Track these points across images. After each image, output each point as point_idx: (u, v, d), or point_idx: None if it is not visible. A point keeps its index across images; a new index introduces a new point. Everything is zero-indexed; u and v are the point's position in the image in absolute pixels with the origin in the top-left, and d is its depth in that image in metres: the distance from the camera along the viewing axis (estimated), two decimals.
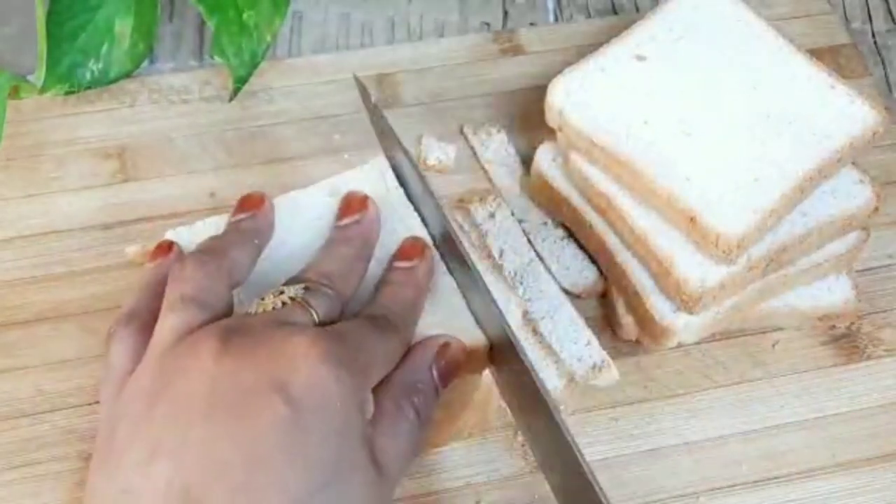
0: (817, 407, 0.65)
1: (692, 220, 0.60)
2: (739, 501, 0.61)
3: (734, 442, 0.63)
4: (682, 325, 0.62)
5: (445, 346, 0.51)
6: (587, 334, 0.63)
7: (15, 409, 0.63)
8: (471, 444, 0.63)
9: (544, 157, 0.68)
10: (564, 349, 0.62)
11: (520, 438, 0.63)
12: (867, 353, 0.67)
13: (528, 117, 0.75)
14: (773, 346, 0.67)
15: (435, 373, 0.50)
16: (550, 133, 0.68)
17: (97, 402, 0.63)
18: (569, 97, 0.65)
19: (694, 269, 0.61)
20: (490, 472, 0.62)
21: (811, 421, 0.64)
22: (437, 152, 0.73)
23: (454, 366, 0.51)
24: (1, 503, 0.60)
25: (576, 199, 0.67)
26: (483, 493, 0.61)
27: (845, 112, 0.63)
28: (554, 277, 0.66)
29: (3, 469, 0.61)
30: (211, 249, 0.52)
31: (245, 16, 0.75)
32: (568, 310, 0.64)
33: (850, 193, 0.64)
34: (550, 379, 0.62)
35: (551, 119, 0.66)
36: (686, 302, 0.61)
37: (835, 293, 0.67)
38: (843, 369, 0.66)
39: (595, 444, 0.63)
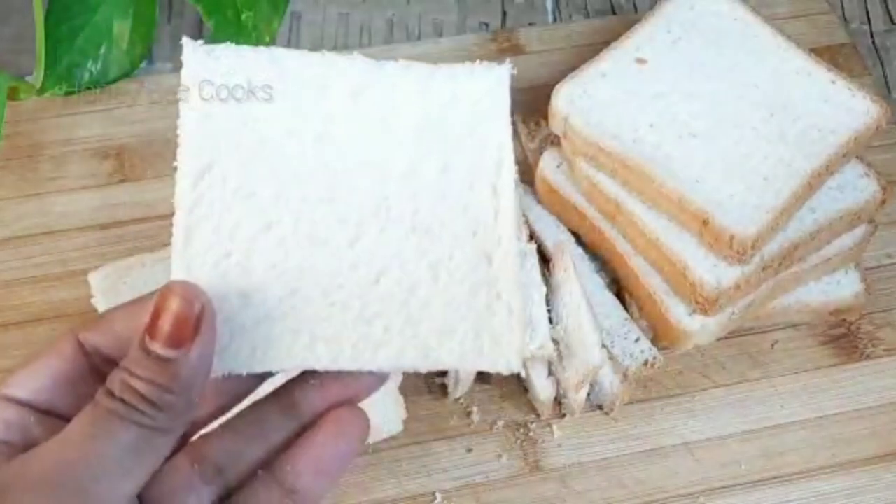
0: (817, 407, 0.65)
1: (705, 222, 0.60)
2: (739, 501, 0.61)
3: (734, 442, 0.63)
4: (699, 328, 0.62)
5: (162, 300, 0.37)
6: (636, 330, 0.63)
7: None
8: (471, 444, 0.63)
9: (549, 164, 0.68)
10: (616, 345, 0.62)
11: (519, 438, 0.63)
12: (867, 353, 0.67)
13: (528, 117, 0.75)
14: (773, 346, 0.67)
15: (154, 346, 0.36)
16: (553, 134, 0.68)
17: None
18: (573, 104, 0.64)
19: (709, 271, 0.61)
20: (490, 472, 0.62)
21: (811, 421, 0.64)
22: None
23: (171, 320, 0.37)
24: None
25: (583, 205, 0.67)
26: (483, 493, 0.61)
27: (848, 106, 0.64)
28: (597, 272, 0.67)
29: None
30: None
31: (243, 16, 0.75)
32: (615, 305, 0.65)
33: (857, 187, 0.64)
34: (606, 375, 0.62)
35: (556, 126, 0.66)
36: (702, 304, 0.61)
37: (844, 287, 0.67)
38: (842, 369, 0.66)
39: (595, 444, 0.63)
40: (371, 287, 0.39)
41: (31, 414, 0.39)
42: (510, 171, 0.42)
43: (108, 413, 0.36)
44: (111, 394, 0.37)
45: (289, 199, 0.40)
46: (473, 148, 0.42)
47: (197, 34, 0.82)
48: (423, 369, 0.40)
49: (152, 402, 0.36)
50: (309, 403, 0.40)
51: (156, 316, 0.37)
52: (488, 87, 0.43)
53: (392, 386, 0.59)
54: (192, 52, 0.41)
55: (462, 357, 0.39)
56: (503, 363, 0.39)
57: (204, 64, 0.41)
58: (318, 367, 0.39)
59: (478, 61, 0.43)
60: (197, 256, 0.39)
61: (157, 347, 0.36)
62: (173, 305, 0.37)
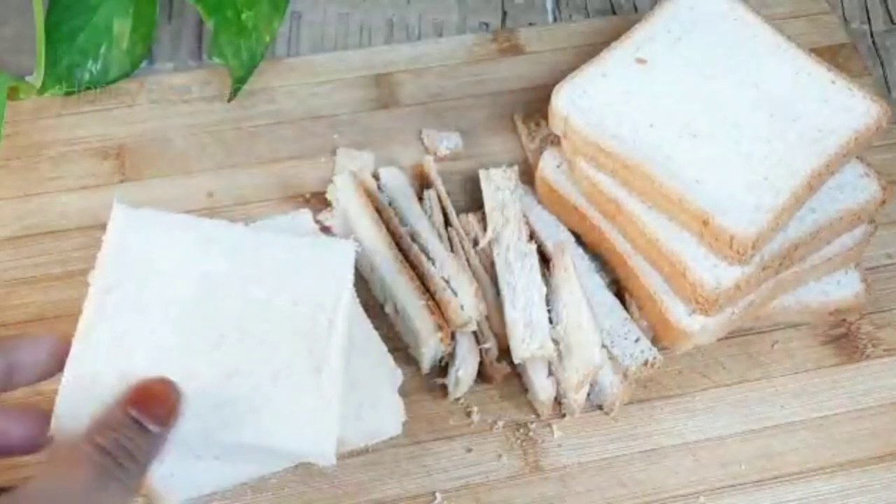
0: (817, 407, 0.65)
1: (705, 222, 0.60)
2: (739, 501, 0.61)
3: (734, 442, 0.63)
4: (699, 328, 0.62)
5: (159, 387, 0.48)
6: (636, 330, 0.63)
7: None
8: (471, 444, 0.63)
9: (549, 164, 0.68)
10: (616, 345, 0.62)
11: (519, 438, 0.63)
12: (867, 353, 0.67)
13: (528, 117, 0.75)
14: (773, 346, 0.67)
15: (133, 411, 0.47)
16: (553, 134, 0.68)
17: None
18: (573, 104, 0.64)
19: (708, 271, 0.61)
20: (490, 472, 0.62)
21: (811, 421, 0.64)
22: (445, 141, 0.73)
23: (159, 401, 0.48)
24: None
25: (583, 205, 0.67)
26: (483, 493, 0.61)
27: (848, 106, 0.64)
28: (597, 272, 0.67)
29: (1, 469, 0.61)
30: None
31: (244, 16, 0.75)
32: (615, 305, 0.65)
33: (857, 187, 0.64)
34: (606, 375, 0.62)
35: (556, 126, 0.66)
36: (702, 304, 0.61)
37: (844, 287, 0.67)
38: (842, 369, 0.66)
39: (595, 444, 0.63)
40: (224, 381, 0.51)
41: None
42: (345, 314, 0.54)
43: (104, 468, 0.44)
44: (103, 448, 0.45)
45: (170, 315, 0.52)
46: (319, 293, 0.54)
47: (197, 34, 0.82)
48: (258, 453, 0.51)
49: (138, 462, 0.46)
50: None
51: (151, 398, 0.48)
52: (339, 252, 0.56)
53: (391, 389, 0.59)
54: (121, 208, 0.55)
55: (290, 445, 0.51)
56: (320, 454, 0.51)
57: (129, 216, 0.55)
58: (174, 439, 0.48)
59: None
60: (95, 345, 0.51)
61: (147, 421, 0.46)
62: (167, 394, 0.48)
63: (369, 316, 0.62)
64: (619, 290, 0.67)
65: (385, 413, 0.58)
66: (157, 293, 0.53)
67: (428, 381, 0.64)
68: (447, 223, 0.68)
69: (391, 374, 0.59)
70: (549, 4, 0.85)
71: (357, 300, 0.60)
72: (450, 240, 0.67)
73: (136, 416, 0.46)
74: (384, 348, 0.60)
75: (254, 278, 0.54)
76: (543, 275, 0.65)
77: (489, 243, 0.66)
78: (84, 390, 0.49)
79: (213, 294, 0.53)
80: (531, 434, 0.63)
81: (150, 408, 0.47)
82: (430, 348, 0.62)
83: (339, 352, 0.53)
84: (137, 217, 0.55)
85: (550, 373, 0.63)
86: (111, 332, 0.51)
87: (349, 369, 0.54)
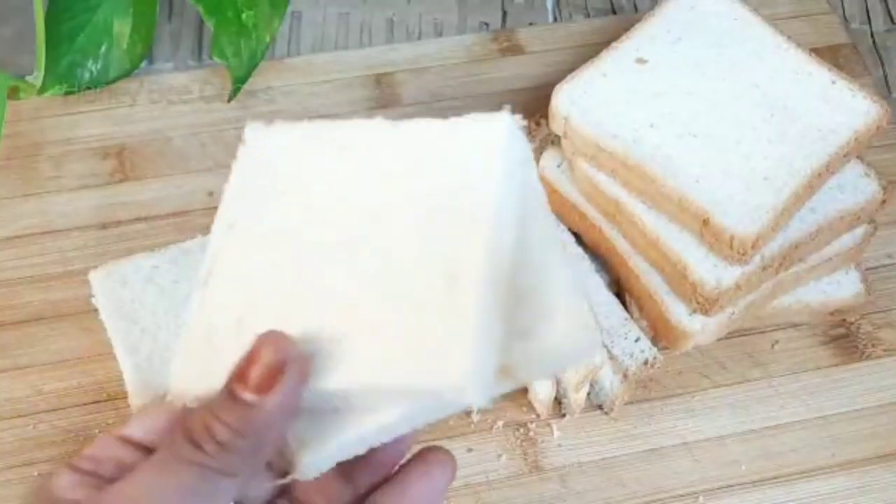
0: (817, 407, 0.65)
1: (705, 222, 0.60)
2: (739, 501, 0.61)
3: (734, 442, 0.63)
4: (699, 328, 0.62)
5: (255, 349, 0.38)
6: (636, 330, 0.63)
7: (13, 409, 0.63)
8: (471, 444, 0.63)
9: (549, 164, 0.68)
10: (616, 345, 0.62)
11: (519, 438, 0.63)
12: (866, 354, 0.67)
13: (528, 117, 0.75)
14: (773, 346, 0.67)
15: (240, 391, 0.37)
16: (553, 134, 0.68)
17: (95, 402, 0.63)
18: (573, 104, 0.64)
19: (709, 271, 0.61)
20: (490, 472, 0.62)
21: (811, 421, 0.64)
22: None
23: (268, 369, 0.37)
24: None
25: (583, 205, 0.66)
26: (482, 493, 0.61)
27: (848, 106, 0.64)
28: (597, 272, 0.67)
29: (1, 469, 0.61)
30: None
31: (244, 16, 0.75)
32: (615, 305, 0.65)
33: (857, 188, 0.64)
34: (606, 375, 0.62)
35: (556, 126, 0.66)
36: (702, 304, 0.61)
37: (845, 287, 0.67)
38: (842, 369, 0.66)
39: (595, 444, 0.63)
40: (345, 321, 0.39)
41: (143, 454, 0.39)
42: (498, 196, 0.41)
43: (173, 453, 0.37)
44: (192, 438, 0.37)
45: (299, 250, 0.41)
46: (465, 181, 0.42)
47: (197, 34, 0.82)
48: (389, 398, 0.38)
49: (220, 444, 0.37)
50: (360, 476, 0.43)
51: (248, 363, 0.37)
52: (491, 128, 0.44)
53: (574, 293, 0.41)
54: (254, 130, 0.44)
55: (414, 381, 0.37)
56: (455, 387, 0.36)
57: (261, 141, 0.44)
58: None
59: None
60: (214, 292, 0.41)
61: (242, 391, 0.37)
62: (264, 354, 0.37)
63: None
64: (619, 290, 0.67)
65: (569, 326, 0.40)
66: (288, 224, 0.41)
67: None
68: None
69: (570, 273, 0.41)
70: (549, 4, 0.85)
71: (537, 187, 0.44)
72: None
73: (233, 391, 0.37)
74: (563, 240, 0.48)
75: (398, 196, 0.42)
76: None
77: None
78: (202, 349, 0.39)
79: (352, 222, 0.41)
80: (531, 434, 0.63)
81: (251, 378, 0.37)
82: None
83: (482, 252, 0.38)
84: (268, 136, 0.44)
85: None
86: (233, 275, 0.40)
87: (511, 276, 0.38)
